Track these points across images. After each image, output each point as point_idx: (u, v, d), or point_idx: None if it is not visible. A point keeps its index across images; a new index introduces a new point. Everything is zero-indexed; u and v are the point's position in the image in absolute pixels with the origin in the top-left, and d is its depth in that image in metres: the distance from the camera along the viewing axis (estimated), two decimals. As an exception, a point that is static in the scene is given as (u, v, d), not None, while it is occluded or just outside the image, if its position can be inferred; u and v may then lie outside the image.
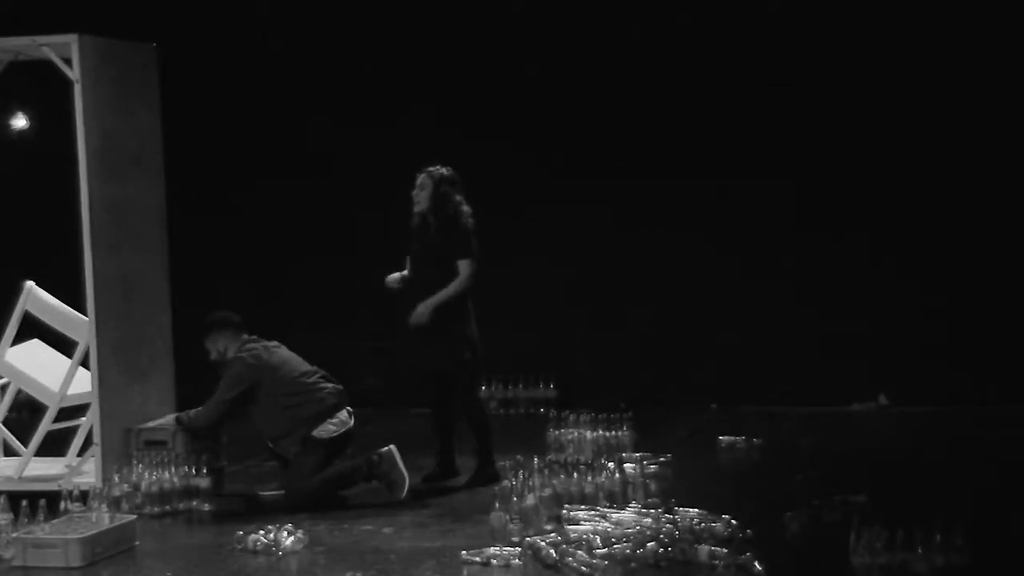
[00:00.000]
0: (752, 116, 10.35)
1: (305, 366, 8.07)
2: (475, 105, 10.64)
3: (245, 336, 8.06)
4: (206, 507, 7.75)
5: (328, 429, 7.88)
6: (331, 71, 10.91)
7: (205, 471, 7.82)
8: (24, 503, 7.04)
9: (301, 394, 7.91)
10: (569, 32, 10.59)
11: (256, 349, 8.00)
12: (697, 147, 10.43)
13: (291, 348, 8.16)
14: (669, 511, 7.04)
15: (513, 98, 10.61)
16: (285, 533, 6.92)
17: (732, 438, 9.15)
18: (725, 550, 6.38)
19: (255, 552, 6.83)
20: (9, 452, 8.65)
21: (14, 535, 6.79)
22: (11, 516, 6.88)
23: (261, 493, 8.05)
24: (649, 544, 6.44)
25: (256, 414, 7.97)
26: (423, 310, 8.09)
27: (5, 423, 8.62)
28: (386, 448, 7.91)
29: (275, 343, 8.11)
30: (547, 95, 10.60)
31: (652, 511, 7.10)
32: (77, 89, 7.84)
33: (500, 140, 10.42)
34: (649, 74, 10.50)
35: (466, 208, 8.16)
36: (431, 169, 8.18)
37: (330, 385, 8.01)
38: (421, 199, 8.16)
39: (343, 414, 7.96)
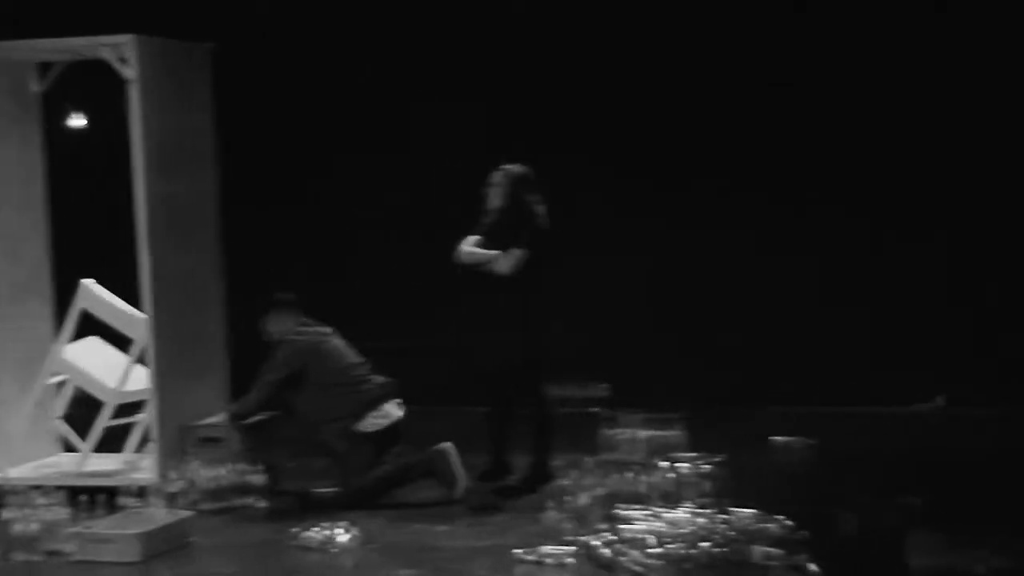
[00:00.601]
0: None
1: (354, 357, 8.10)
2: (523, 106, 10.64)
3: (302, 319, 8.12)
4: (261, 504, 7.79)
5: (373, 422, 7.91)
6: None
7: (260, 468, 7.87)
8: (83, 498, 7.11)
9: (347, 384, 7.94)
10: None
11: (308, 334, 8.04)
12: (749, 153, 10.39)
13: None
14: (723, 511, 7.01)
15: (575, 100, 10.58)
16: (340, 530, 6.95)
17: (786, 438, 9.10)
18: (780, 551, 6.35)
19: (310, 549, 6.87)
20: (68, 448, 8.73)
21: (73, 530, 6.87)
22: (70, 511, 6.95)
23: (316, 490, 8.08)
24: (703, 544, 6.42)
25: (300, 400, 7.99)
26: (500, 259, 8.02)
27: (64, 419, 8.70)
28: (442, 445, 7.92)
29: (329, 329, 8.15)
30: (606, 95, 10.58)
31: (706, 511, 7.07)
32: (133, 88, 7.89)
33: (561, 139, 10.39)
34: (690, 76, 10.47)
35: (540, 208, 8.15)
36: (507, 167, 8.18)
37: (378, 377, 8.03)
38: (495, 197, 8.16)
39: (390, 406, 7.98)
